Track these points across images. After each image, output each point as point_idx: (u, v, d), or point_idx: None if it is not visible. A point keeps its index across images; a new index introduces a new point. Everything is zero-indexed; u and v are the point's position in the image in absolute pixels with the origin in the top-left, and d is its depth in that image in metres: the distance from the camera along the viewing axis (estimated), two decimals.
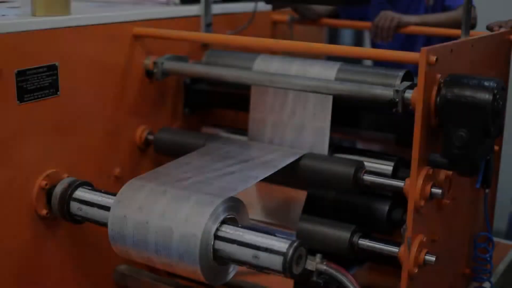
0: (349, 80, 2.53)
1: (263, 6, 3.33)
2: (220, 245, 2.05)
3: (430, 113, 2.12)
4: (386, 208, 2.48)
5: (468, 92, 2.05)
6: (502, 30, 2.69)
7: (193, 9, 3.04)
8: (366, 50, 2.60)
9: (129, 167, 2.77)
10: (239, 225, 2.10)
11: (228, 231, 2.05)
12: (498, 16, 2.94)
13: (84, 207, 2.33)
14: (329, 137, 2.61)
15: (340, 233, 2.42)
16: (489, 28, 2.72)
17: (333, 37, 5.61)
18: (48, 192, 2.39)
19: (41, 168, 2.39)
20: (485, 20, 2.88)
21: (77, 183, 2.38)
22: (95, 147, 2.61)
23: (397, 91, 2.21)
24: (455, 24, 3.26)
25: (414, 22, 3.30)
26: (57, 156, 2.45)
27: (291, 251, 1.95)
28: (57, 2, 2.45)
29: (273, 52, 3.07)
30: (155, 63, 2.75)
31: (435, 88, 2.11)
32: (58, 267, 2.51)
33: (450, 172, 2.25)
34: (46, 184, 2.38)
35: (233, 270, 2.16)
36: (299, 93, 2.63)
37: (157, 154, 2.83)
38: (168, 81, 2.90)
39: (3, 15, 2.39)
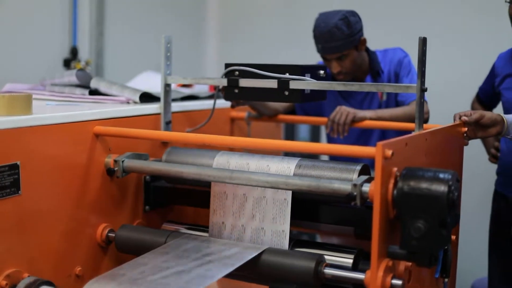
0: (308, 175, 2.58)
1: (221, 104, 3.39)
2: None
3: (388, 206, 2.15)
4: None
5: (424, 185, 2.10)
6: (457, 122, 2.78)
7: (152, 108, 3.09)
8: (324, 146, 2.64)
9: (90, 266, 2.75)
10: None
11: None
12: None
13: None
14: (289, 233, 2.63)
15: None
16: (454, 117, 2.82)
17: (290, 132, 5.70)
18: None
19: (1, 268, 2.36)
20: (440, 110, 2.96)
21: (38, 282, 2.35)
22: (56, 245, 2.59)
23: (355, 185, 2.25)
24: (409, 118, 3.35)
25: (370, 117, 3.37)
26: (17, 255, 2.42)
27: None
28: (19, 102, 2.47)
29: (232, 148, 3.11)
30: (115, 161, 2.77)
31: (392, 181, 2.15)
32: None
33: (410, 263, 2.28)
34: (6, 284, 2.35)
35: None
36: (258, 197, 2.66)
37: (119, 252, 2.82)
38: (129, 179, 2.91)
39: None
